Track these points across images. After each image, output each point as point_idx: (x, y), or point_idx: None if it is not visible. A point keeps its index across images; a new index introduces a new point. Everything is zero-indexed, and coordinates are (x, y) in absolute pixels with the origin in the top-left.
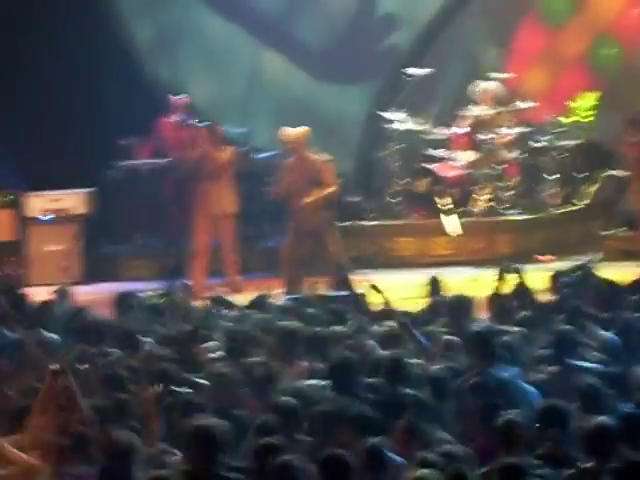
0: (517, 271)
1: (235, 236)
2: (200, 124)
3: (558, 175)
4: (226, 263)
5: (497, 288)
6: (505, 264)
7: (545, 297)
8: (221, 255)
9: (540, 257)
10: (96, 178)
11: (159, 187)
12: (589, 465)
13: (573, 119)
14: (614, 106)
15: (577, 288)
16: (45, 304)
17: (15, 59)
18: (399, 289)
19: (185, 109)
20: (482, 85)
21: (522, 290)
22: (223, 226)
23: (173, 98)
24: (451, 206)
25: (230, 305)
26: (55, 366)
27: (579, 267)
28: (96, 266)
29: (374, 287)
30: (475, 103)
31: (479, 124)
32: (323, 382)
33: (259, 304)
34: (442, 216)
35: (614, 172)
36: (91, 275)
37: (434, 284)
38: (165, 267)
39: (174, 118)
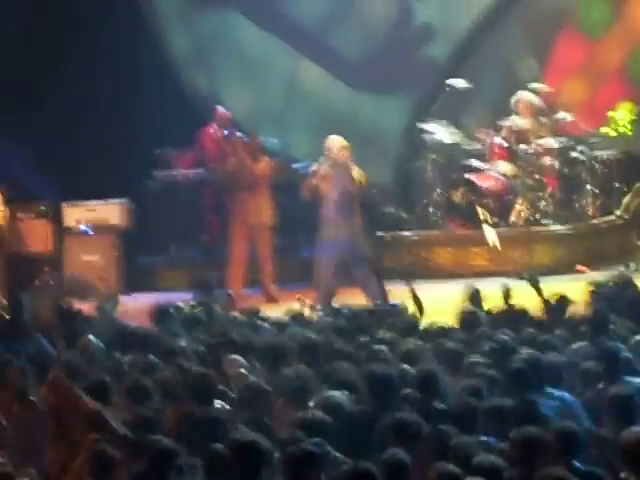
0: (534, 280)
1: (271, 246)
2: (240, 136)
3: (596, 186)
4: (262, 273)
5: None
6: (524, 274)
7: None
8: (257, 265)
9: (580, 267)
10: (133, 188)
11: (196, 198)
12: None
13: (612, 130)
14: None
15: (614, 300)
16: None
17: (54, 68)
18: (437, 300)
19: (229, 121)
20: (521, 96)
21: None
22: (260, 237)
23: (219, 109)
24: (490, 217)
25: (264, 317)
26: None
27: (616, 278)
28: (133, 277)
29: (413, 294)
30: (515, 114)
31: (518, 135)
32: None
33: (295, 318)
34: (484, 226)
35: None
36: (128, 286)
37: (474, 296)
38: (203, 278)
39: (218, 129)
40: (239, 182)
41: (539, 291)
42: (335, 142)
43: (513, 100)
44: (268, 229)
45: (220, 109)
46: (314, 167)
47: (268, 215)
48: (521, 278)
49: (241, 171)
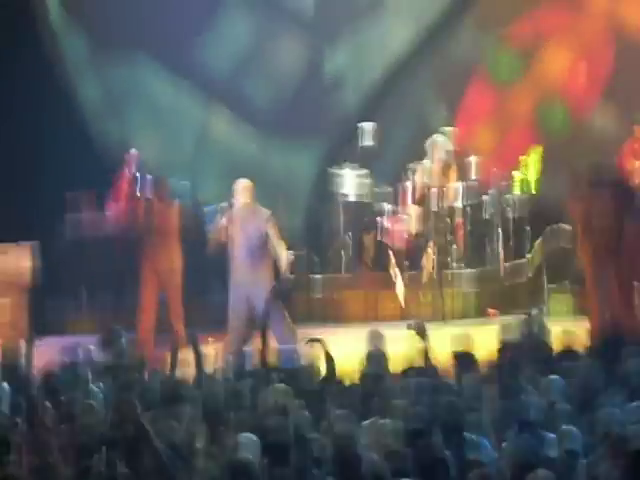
0: (421, 331)
1: (181, 290)
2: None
3: (507, 229)
4: (172, 316)
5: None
6: (412, 323)
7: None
8: (168, 309)
9: (491, 311)
10: (44, 232)
11: (106, 241)
12: None
13: (522, 174)
14: (561, 163)
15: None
16: None
17: None
18: (344, 343)
19: (135, 163)
20: (434, 139)
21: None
22: (169, 281)
23: (131, 152)
24: (400, 261)
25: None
26: None
27: (524, 322)
28: (42, 320)
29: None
30: (427, 157)
31: (429, 178)
32: None
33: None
34: (391, 271)
35: (559, 226)
36: (37, 330)
37: (378, 340)
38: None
39: (125, 172)
40: (148, 225)
41: (426, 342)
42: (240, 184)
43: (427, 143)
44: (178, 273)
45: (132, 151)
46: (220, 219)
47: (177, 259)
48: (409, 328)
49: (149, 213)
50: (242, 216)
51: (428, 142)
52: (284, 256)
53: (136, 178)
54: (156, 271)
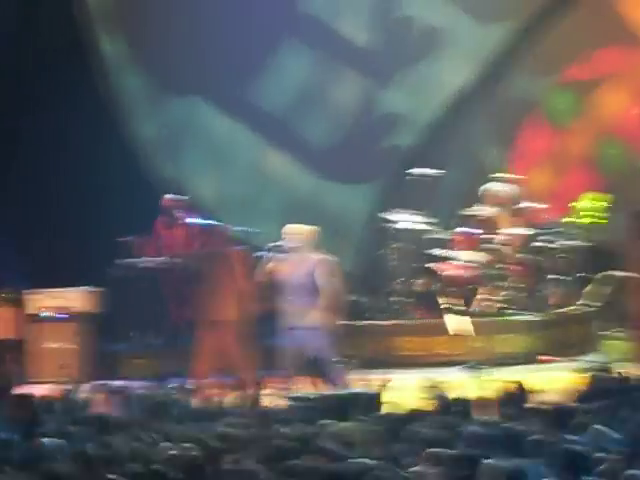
0: (476, 369)
1: (239, 339)
2: (196, 221)
3: (559, 275)
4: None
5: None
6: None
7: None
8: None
9: (542, 357)
10: (98, 276)
11: (158, 285)
12: None
13: (576, 220)
14: (618, 206)
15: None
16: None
17: (17, 155)
18: (399, 389)
19: (178, 207)
20: (488, 186)
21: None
22: (226, 331)
23: (165, 197)
24: (453, 306)
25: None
26: None
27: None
28: (96, 364)
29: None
30: (481, 203)
31: (482, 224)
32: None
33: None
34: (445, 316)
35: (613, 272)
36: (91, 373)
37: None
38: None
39: (167, 216)
40: (209, 270)
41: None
42: (293, 228)
43: (481, 190)
44: (235, 323)
45: (166, 196)
46: (268, 261)
47: (238, 308)
48: (466, 368)
49: (212, 259)
50: (293, 259)
51: (482, 189)
52: (331, 302)
53: (179, 222)
54: (211, 322)
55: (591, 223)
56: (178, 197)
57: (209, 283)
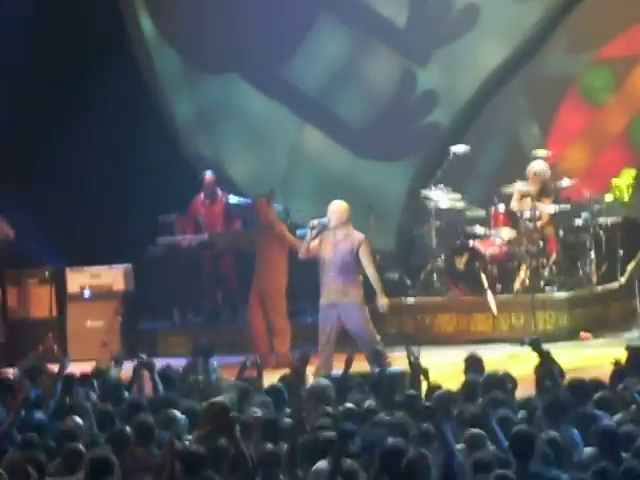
0: (537, 345)
1: (283, 312)
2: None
3: (600, 253)
4: (275, 339)
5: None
6: (526, 339)
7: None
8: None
9: (584, 334)
10: (136, 254)
11: (198, 263)
12: None
13: (613, 196)
14: None
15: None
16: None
17: (57, 135)
18: (439, 366)
19: (214, 185)
20: (532, 165)
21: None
22: (271, 303)
23: (206, 174)
24: (493, 284)
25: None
26: None
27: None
28: (135, 342)
29: (410, 359)
30: (517, 180)
31: (523, 201)
32: None
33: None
34: (488, 293)
35: None
36: (130, 351)
37: (472, 362)
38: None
39: (208, 194)
40: (265, 240)
41: (542, 356)
42: (336, 204)
43: (527, 169)
44: (282, 295)
45: (207, 175)
46: (314, 223)
47: (283, 280)
48: (522, 344)
49: (269, 228)
50: (335, 236)
51: (528, 168)
52: (378, 281)
53: (216, 199)
54: (260, 293)
55: (627, 199)
56: (210, 174)
57: (259, 256)
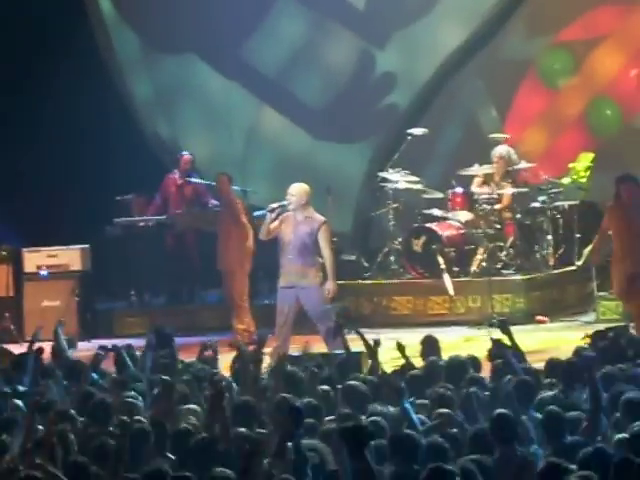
0: (505, 326)
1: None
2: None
3: (557, 236)
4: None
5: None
6: (491, 320)
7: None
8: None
9: (540, 317)
10: (94, 235)
11: (156, 244)
12: None
13: (570, 179)
14: (611, 167)
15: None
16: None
17: (13, 115)
18: (394, 349)
19: (189, 165)
20: (496, 148)
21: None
22: (229, 281)
23: (184, 155)
24: (449, 266)
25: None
26: None
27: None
28: (92, 322)
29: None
30: (478, 163)
31: (481, 184)
32: None
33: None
34: (444, 276)
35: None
36: (87, 331)
37: (429, 344)
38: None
39: (178, 174)
40: (228, 218)
41: (512, 338)
42: (296, 187)
43: (492, 152)
44: (241, 274)
45: (185, 155)
46: (273, 206)
47: (245, 259)
48: (490, 325)
49: (231, 206)
50: (296, 218)
51: (493, 151)
52: (332, 265)
53: (188, 180)
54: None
55: (583, 183)
56: (186, 154)
57: (220, 236)
